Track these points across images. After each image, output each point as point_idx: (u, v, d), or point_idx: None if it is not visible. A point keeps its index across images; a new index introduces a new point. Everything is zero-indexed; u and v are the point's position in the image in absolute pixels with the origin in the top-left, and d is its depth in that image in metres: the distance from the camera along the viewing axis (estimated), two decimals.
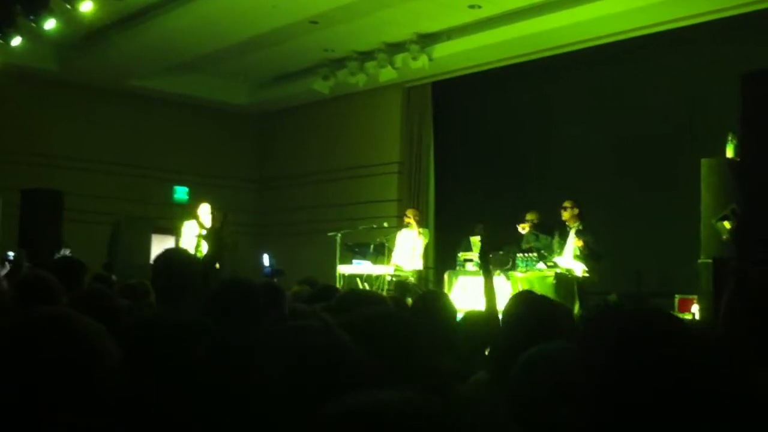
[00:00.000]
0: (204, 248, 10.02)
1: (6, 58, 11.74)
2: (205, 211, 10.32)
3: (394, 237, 11.65)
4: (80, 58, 13.62)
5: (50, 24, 9.81)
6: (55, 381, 1.46)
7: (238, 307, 2.56)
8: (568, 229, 9.98)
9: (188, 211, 13.09)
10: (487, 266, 4.17)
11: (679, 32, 10.69)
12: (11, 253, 7.25)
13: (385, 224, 12.19)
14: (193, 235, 10.25)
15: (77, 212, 13.50)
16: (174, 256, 3.70)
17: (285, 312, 2.98)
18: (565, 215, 9.95)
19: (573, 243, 9.77)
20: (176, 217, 14.68)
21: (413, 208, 12.36)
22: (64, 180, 13.53)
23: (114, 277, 7.80)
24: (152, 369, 1.94)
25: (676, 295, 9.48)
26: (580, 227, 9.84)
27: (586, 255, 9.64)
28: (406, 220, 11.52)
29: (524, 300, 2.88)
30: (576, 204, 9.94)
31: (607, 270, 10.05)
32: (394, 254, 11.37)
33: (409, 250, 11.30)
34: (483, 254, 4.23)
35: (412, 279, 10.95)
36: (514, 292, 3.60)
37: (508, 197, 12.12)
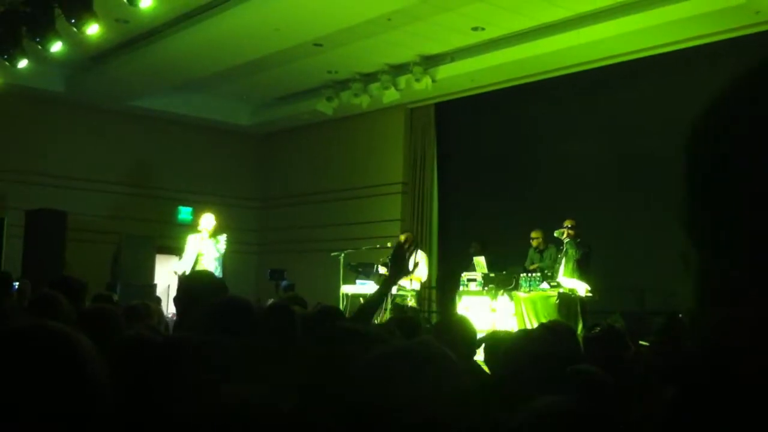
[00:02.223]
0: (205, 262, 10.05)
1: (12, 79, 11.84)
2: (208, 220, 10.30)
3: None
4: (85, 79, 13.71)
5: (56, 47, 9.87)
6: (38, 395, 1.47)
7: (236, 324, 2.59)
8: (562, 246, 10.05)
9: (192, 230, 13.16)
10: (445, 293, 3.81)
11: (682, 53, 10.75)
12: (16, 284, 7.28)
13: (389, 244, 12.19)
14: (195, 249, 10.21)
15: (81, 232, 13.56)
16: (194, 278, 3.71)
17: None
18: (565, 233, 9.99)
19: (565, 258, 9.83)
20: (180, 236, 14.74)
21: (407, 231, 12.20)
22: (68, 200, 13.60)
23: (115, 297, 7.80)
24: (141, 387, 1.97)
25: (680, 315, 9.46)
26: (576, 241, 9.88)
27: (580, 265, 9.68)
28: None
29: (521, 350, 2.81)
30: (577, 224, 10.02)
31: (610, 289, 10.06)
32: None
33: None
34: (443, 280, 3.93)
35: (411, 301, 10.91)
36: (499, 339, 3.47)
37: (511, 216, 12.13)
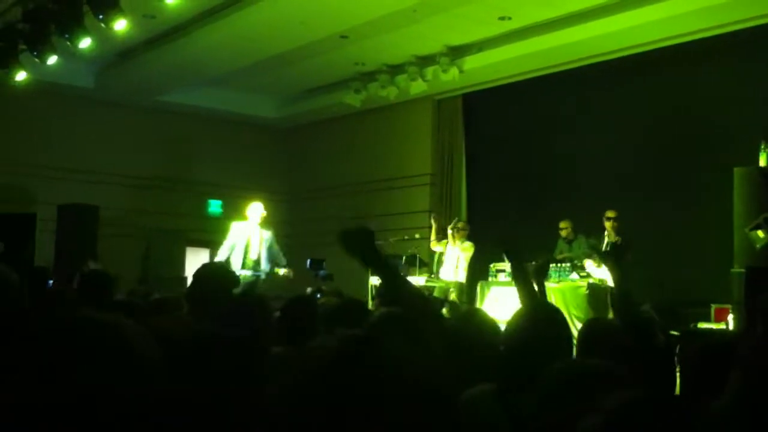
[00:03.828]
0: (253, 253, 10.06)
1: (43, 76, 11.95)
2: (256, 209, 10.31)
3: (426, 248, 11.65)
4: (115, 76, 13.82)
5: (85, 43, 9.94)
6: (109, 382, 1.54)
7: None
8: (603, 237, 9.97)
9: (222, 224, 13.23)
10: (518, 272, 3.65)
11: (710, 41, 10.61)
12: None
13: (417, 235, 12.19)
14: (238, 237, 10.19)
15: (112, 227, 13.68)
16: (207, 271, 3.73)
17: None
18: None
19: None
20: (210, 229, 14.83)
21: (451, 220, 12.20)
22: (98, 195, 13.71)
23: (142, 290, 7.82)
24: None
25: (712, 305, 9.37)
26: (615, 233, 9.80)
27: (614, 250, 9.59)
28: (454, 232, 11.44)
29: (533, 315, 2.86)
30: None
31: (641, 280, 9.96)
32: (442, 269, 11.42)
33: (453, 263, 11.30)
34: (510, 259, 3.81)
35: (453, 294, 10.94)
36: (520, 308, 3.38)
37: (540, 206, 12.08)
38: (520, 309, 3.20)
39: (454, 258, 11.29)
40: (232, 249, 10.02)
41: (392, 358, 1.95)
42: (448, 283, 11.14)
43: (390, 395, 1.79)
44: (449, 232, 11.38)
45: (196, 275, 3.49)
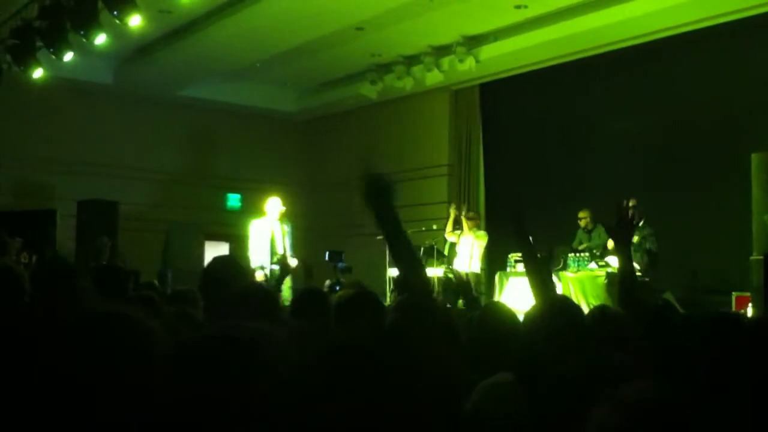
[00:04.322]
0: (279, 247, 10.07)
1: (61, 72, 12.01)
2: (275, 204, 10.32)
3: (443, 239, 11.62)
4: (133, 71, 13.88)
5: (100, 39, 9.98)
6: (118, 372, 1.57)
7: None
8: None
9: (241, 217, 13.27)
10: (530, 260, 3.60)
11: (727, 26, 10.50)
12: None
13: (435, 226, 12.16)
14: (262, 234, 10.21)
15: (131, 221, 13.75)
16: (218, 264, 3.72)
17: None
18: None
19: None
20: (229, 223, 14.88)
21: (466, 210, 12.16)
22: (118, 190, 13.80)
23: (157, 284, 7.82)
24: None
25: (733, 293, 9.30)
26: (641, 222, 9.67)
27: (643, 250, 9.47)
28: (468, 223, 11.38)
29: (552, 305, 2.85)
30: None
31: (661, 267, 9.90)
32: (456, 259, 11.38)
33: (467, 253, 11.25)
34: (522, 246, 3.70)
35: (468, 281, 10.89)
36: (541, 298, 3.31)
37: (558, 196, 12.01)
38: (536, 301, 3.19)
39: (468, 248, 11.24)
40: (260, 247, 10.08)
41: (404, 354, 1.95)
42: (463, 274, 11.10)
43: (397, 389, 1.78)
44: (465, 221, 11.32)
45: (206, 269, 3.50)
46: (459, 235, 11.41)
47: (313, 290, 3.23)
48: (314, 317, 2.98)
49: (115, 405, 1.55)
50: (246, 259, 10.17)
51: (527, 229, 3.39)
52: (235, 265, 3.42)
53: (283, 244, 10.16)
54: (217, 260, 3.54)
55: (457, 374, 2.78)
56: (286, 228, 10.29)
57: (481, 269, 11.70)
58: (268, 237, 10.11)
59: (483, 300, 10.48)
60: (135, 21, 9.40)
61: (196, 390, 2.02)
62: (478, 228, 11.52)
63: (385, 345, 1.92)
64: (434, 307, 2.71)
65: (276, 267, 9.97)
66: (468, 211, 11.74)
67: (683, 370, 2.59)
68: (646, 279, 9.41)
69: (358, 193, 2.49)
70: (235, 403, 1.76)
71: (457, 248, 11.43)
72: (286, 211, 10.44)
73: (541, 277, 3.29)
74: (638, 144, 11.46)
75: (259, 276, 9.86)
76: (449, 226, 11.61)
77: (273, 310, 2.67)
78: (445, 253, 12.02)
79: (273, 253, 10.11)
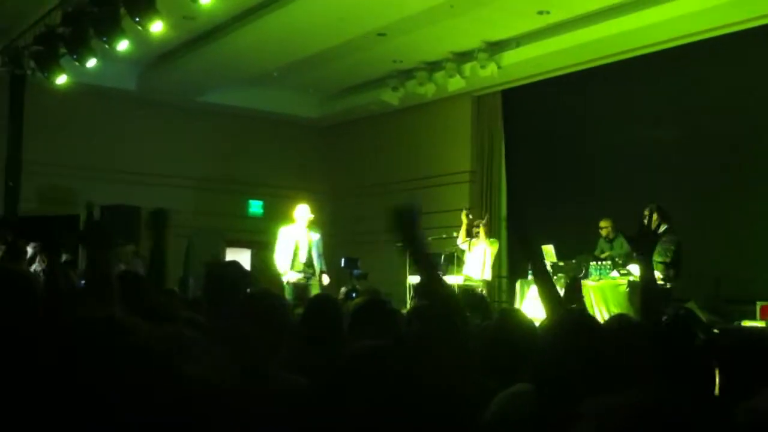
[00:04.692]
0: (302, 256, 10.08)
1: (85, 78, 12.11)
2: (303, 211, 10.31)
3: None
4: (156, 77, 13.96)
5: (123, 45, 10.06)
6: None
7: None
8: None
9: (263, 224, 13.28)
10: (538, 271, 3.60)
11: (752, 32, 10.38)
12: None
13: (455, 234, 12.09)
14: (289, 241, 10.23)
15: None
16: (220, 269, 3.70)
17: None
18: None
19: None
20: (251, 230, 14.91)
21: (480, 217, 12.08)
22: (140, 196, 13.84)
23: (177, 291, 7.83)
24: None
25: (758, 302, 9.19)
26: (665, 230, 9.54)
27: (665, 260, 9.33)
28: (475, 230, 11.31)
29: (568, 319, 2.81)
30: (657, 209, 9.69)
31: (684, 276, 9.78)
32: (465, 265, 11.27)
33: (480, 261, 11.16)
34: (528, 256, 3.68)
35: (482, 290, 10.79)
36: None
37: (581, 204, 11.91)
38: (549, 314, 3.16)
39: (480, 255, 11.13)
40: (294, 253, 10.10)
41: (418, 365, 1.92)
42: (475, 282, 10.99)
43: (414, 397, 1.76)
44: (480, 228, 11.18)
45: (207, 274, 3.49)
46: (471, 243, 11.30)
47: (324, 298, 3.21)
48: (325, 325, 2.95)
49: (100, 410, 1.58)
50: (273, 266, 10.21)
51: (535, 249, 3.40)
52: (238, 270, 3.41)
53: (309, 255, 10.15)
54: (220, 265, 3.54)
55: (473, 383, 2.75)
56: (314, 237, 10.28)
57: (499, 276, 11.61)
58: (292, 245, 10.14)
59: (497, 308, 10.42)
60: (157, 27, 9.46)
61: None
62: (489, 235, 11.42)
63: (403, 354, 1.90)
64: (457, 317, 2.71)
65: (297, 275, 9.99)
66: (481, 218, 11.64)
67: (691, 381, 2.56)
68: (668, 287, 9.29)
69: (386, 226, 2.55)
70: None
71: (467, 256, 11.29)
72: (315, 218, 10.46)
73: (552, 294, 3.27)
74: (662, 150, 11.35)
75: (291, 278, 9.93)
76: (463, 234, 11.41)
77: (279, 317, 2.64)
78: (464, 260, 11.94)
79: (294, 261, 10.12)
